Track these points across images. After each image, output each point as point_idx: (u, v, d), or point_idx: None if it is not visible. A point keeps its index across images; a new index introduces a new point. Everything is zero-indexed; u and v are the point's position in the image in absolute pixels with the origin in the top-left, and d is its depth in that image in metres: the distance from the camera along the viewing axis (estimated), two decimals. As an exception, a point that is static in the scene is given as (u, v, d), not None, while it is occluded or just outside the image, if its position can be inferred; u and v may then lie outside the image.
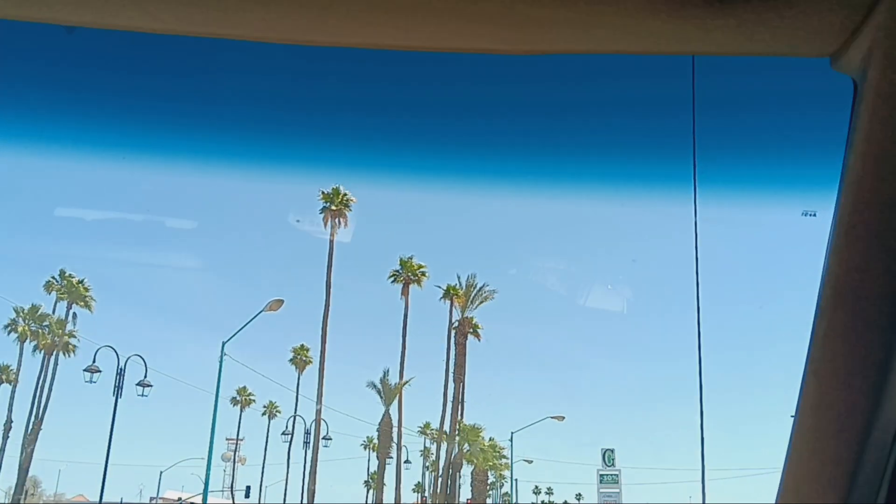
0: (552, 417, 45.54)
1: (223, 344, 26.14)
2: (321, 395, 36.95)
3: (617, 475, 73.11)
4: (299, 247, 34.15)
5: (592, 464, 73.44)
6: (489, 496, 51.52)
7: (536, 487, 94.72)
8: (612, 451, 72.74)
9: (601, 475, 73.80)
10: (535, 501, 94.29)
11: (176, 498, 62.14)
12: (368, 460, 76.35)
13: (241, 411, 63.65)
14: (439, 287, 44.83)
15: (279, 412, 61.77)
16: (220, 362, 25.78)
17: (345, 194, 36.14)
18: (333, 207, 36.12)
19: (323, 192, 35.96)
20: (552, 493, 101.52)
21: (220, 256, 62.55)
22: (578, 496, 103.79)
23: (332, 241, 35.94)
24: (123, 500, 63.00)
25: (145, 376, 26.51)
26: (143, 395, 26.48)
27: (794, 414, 1.22)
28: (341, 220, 36.30)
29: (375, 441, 48.99)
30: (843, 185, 1.00)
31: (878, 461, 1.15)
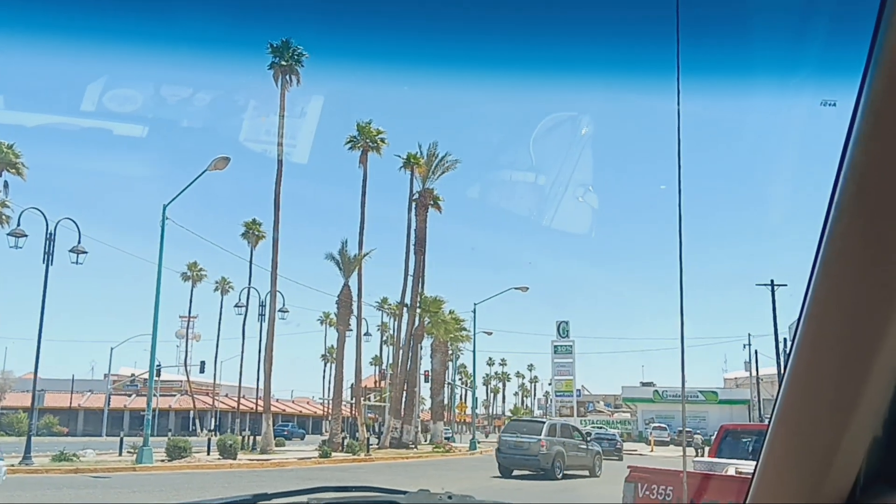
0: (516, 288, 44.73)
1: (164, 207, 23.78)
2: (276, 265, 34.88)
3: (571, 346, 74.70)
4: (252, 117, 31.26)
5: (549, 335, 74.78)
6: (447, 368, 51.38)
7: (490, 359, 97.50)
8: (567, 322, 74.30)
9: (555, 346, 75.39)
10: (488, 372, 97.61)
11: (129, 374, 61.28)
12: (325, 334, 76.72)
13: (193, 287, 62.20)
14: (399, 156, 42.56)
15: (232, 288, 60.36)
16: (162, 226, 23.47)
17: (296, 49, 32.94)
18: (283, 63, 32.94)
19: (271, 45, 32.72)
20: (506, 364, 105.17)
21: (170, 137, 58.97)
22: (530, 366, 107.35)
23: (282, 100, 32.96)
24: (75, 378, 62.40)
25: (79, 241, 24.12)
26: (77, 263, 24.14)
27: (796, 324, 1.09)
28: (293, 77, 33.18)
29: (333, 316, 47.82)
30: (875, 68, 0.85)
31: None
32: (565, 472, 23.44)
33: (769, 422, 1.27)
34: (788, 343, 1.34)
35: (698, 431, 49.02)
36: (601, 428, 50.17)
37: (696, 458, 14.96)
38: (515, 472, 23.30)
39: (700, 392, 64.72)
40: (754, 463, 1.37)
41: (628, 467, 8.17)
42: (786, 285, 42.23)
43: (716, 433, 10.42)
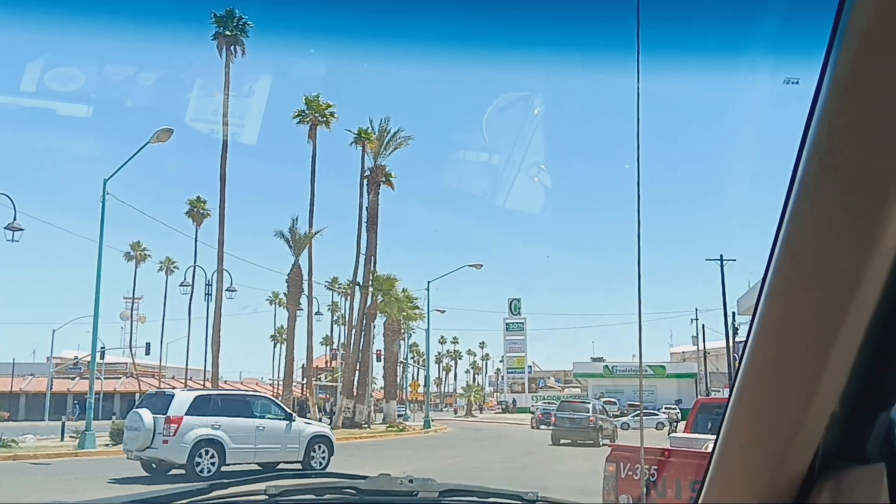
0: (470, 265, 44.39)
1: (104, 182, 22.73)
2: (222, 243, 33.99)
3: (522, 323, 75.02)
4: (199, 94, 30.12)
5: (502, 312, 74.91)
6: (399, 347, 51.00)
7: (442, 337, 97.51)
8: (519, 300, 74.68)
9: (507, 323, 75.65)
10: (440, 351, 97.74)
11: (72, 357, 59.56)
12: (275, 314, 75.78)
13: (137, 267, 60.60)
14: (350, 131, 41.73)
15: (177, 268, 59.04)
16: (103, 201, 22.43)
17: (241, 17, 31.85)
18: (228, 33, 31.83)
19: (215, 15, 31.55)
20: (458, 342, 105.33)
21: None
22: (482, 344, 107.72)
23: (227, 72, 31.86)
24: (16, 361, 60.40)
25: (14, 218, 22.95)
26: (13, 241, 22.98)
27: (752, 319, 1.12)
28: (238, 48, 32.10)
29: (283, 296, 47.01)
30: (840, 43, 0.86)
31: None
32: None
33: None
34: (737, 317, 1.05)
35: (674, 406, 49.64)
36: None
37: (674, 435, 14.70)
38: (563, 441, 27.34)
39: (649, 367, 65.51)
40: None
41: (609, 446, 7.84)
42: (735, 260, 42.80)
43: (692, 407, 10.06)
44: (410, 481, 2.09)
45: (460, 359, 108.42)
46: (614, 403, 56.94)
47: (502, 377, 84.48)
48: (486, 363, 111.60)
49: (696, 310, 67.21)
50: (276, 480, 2.05)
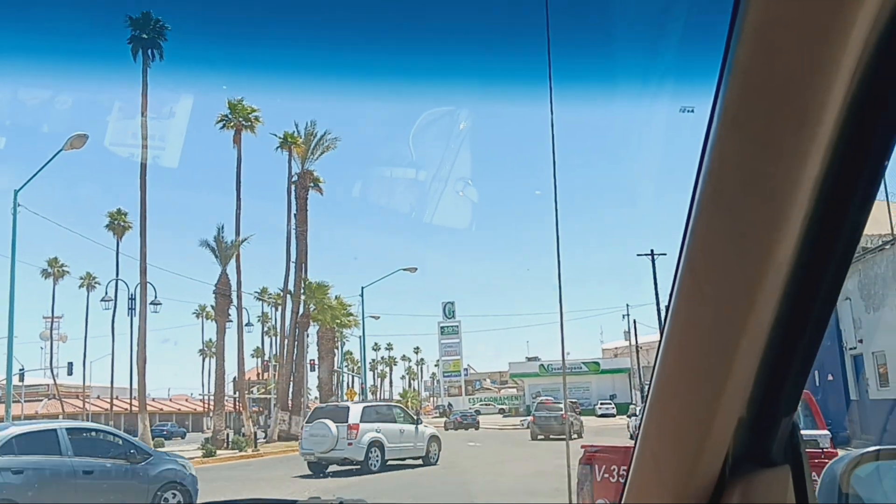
0: (404, 269, 43.79)
1: (15, 193, 21.43)
2: (144, 255, 32.60)
3: (457, 326, 74.83)
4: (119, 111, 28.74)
5: (436, 316, 74.52)
6: (334, 355, 50.06)
7: (376, 344, 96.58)
8: (453, 303, 74.44)
9: (442, 327, 75.34)
10: (374, 357, 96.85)
11: (-14, 382, 56.72)
12: (202, 328, 73.70)
13: (55, 284, 57.95)
14: (275, 135, 40.72)
15: (98, 283, 56.66)
16: (14, 213, 21.12)
17: (157, 20, 30.63)
18: (145, 36, 30.57)
19: (130, 18, 30.23)
20: (392, 349, 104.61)
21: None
22: (416, 349, 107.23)
23: (145, 77, 30.62)
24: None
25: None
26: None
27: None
28: (155, 51, 30.86)
29: (210, 308, 45.55)
30: (728, 76, 0.91)
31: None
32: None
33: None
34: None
35: (609, 402, 49.82)
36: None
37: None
38: (539, 437, 30.63)
39: (583, 363, 66.04)
40: None
41: (582, 447, 7.43)
42: (665, 254, 43.42)
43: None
44: (341, 502, 2.10)
45: (395, 365, 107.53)
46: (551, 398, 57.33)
47: (438, 381, 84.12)
48: (422, 368, 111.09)
49: (627, 305, 67.93)
50: None
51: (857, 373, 24.80)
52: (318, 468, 19.55)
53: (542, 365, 67.68)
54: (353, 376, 75.72)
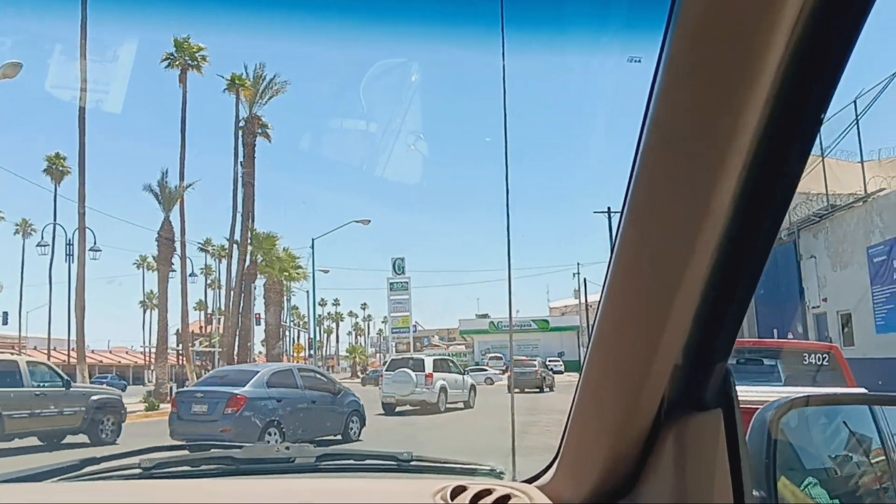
0: (357, 221, 42.45)
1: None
2: (83, 197, 30.65)
3: (407, 282, 74.12)
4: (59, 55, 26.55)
5: (385, 271, 73.58)
6: (282, 308, 48.77)
7: (323, 299, 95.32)
8: (403, 259, 73.40)
9: (391, 283, 74.62)
10: (320, 313, 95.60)
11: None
12: (143, 279, 71.50)
13: (-14, 230, 55.24)
14: (222, 77, 38.71)
15: (34, 230, 54.11)
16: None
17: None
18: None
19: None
20: (339, 304, 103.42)
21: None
22: (364, 305, 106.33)
23: (84, 13, 28.46)
24: None
25: None
26: None
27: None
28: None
29: (151, 259, 43.77)
30: (674, 27, 0.93)
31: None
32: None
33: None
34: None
35: (557, 358, 49.56)
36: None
37: None
38: (516, 390, 32.93)
39: (533, 321, 66.06)
40: None
41: None
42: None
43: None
44: (287, 448, 2.14)
45: (342, 321, 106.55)
46: (500, 358, 57.16)
47: (385, 338, 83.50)
48: (369, 324, 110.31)
49: (578, 264, 67.99)
50: (151, 454, 2.08)
51: (819, 332, 24.59)
52: (390, 409, 22.95)
53: (493, 322, 67.48)
54: (299, 331, 74.66)
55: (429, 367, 23.52)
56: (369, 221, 43.39)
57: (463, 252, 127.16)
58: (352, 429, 16.08)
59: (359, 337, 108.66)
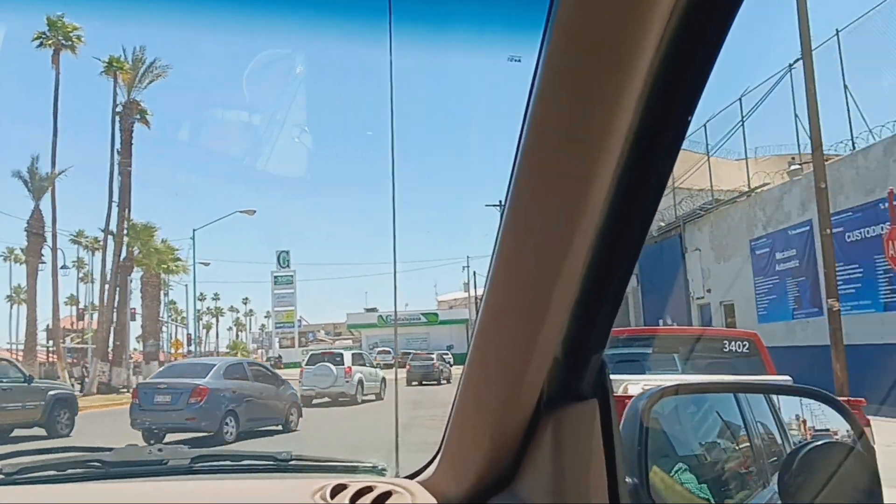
0: (241, 212, 41.02)
1: None
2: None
3: (292, 276, 72.77)
4: None
5: (269, 264, 71.90)
6: (159, 303, 46.66)
7: (202, 294, 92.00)
8: (288, 252, 72.10)
9: (276, 277, 73.08)
10: (199, 308, 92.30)
11: None
12: (10, 272, 67.16)
13: None
14: (99, 59, 36.47)
15: None
16: None
17: None
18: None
19: None
20: (219, 299, 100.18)
21: None
22: (245, 300, 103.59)
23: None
24: None
25: None
26: None
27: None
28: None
29: (19, 251, 40.97)
30: (552, 27, 0.95)
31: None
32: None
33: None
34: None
35: (447, 351, 49.47)
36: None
37: None
38: (413, 382, 34.07)
39: (422, 314, 66.10)
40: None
41: None
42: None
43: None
44: (160, 450, 2.07)
45: (222, 315, 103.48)
46: (388, 352, 56.74)
47: (268, 333, 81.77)
48: (251, 319, 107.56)
49: (468, 257, 68.54)
50: (12, 458, 2.01)
51: (703, 322, 25.46)
52: (307, 402, 22.53)
53: (381, 316, 67.02)
54: (177, 326, 72.03)
55: (348, 361, 25.04)
56: (254, 212, 42.17)
57: (350, 245, 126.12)
58: (291, 419, 17.24)
59: (240, 332, 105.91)
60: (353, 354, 26.44)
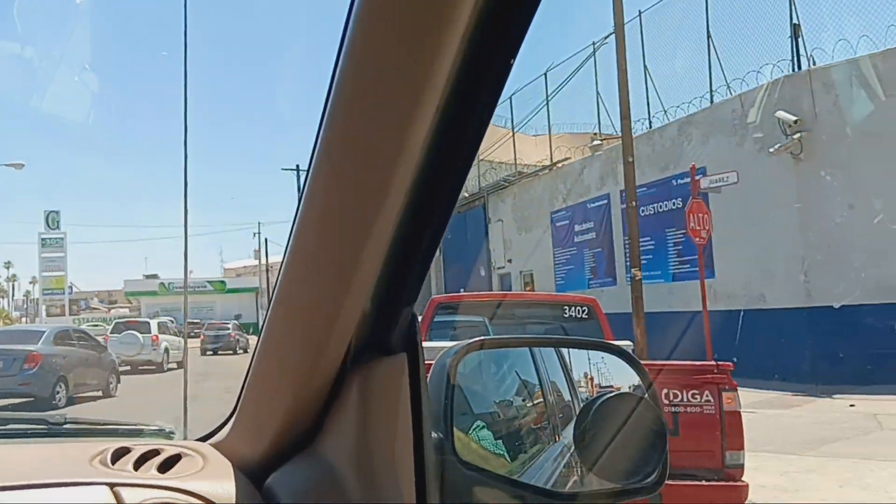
0: (8, 165, 36.76)
1: None
2: None
3: (62, 239, 67.37)
4: None
5: (34, 223, 65.85)
6: None
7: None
8: (58, 213, 66.56)
9: (43, 239, 67.24)
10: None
11: None
12: None
13: None
14: None
15: None
16: None
17: None
18: None
19: None
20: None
21: None
22: (8, 263, 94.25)
23: None
24: None
25: None
26: None
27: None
28: None
29: None
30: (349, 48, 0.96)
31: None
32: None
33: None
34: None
35: (235, 321, 47.42)
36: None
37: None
38: (208, 352, 34.29)
39: (209, 282, 63.59)
40: None
41: None
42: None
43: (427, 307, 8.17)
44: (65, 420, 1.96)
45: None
46: (173, 321, 53.94)
47: (33, 300, 75.15)
48: (14, 285, 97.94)
49: (259, 223, 66.55)
50: None
51: (503, 290, 26.35)
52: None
53: (163, 283, 63.53)
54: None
55: (154, 330, 25.93)
56: (23, 165, 38.05)
57: (130, 207, 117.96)
58: (111, 385, 17.84)
59: (1, 299, 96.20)
60: (158, 323, 27.08)
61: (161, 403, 14.08)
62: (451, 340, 6.49)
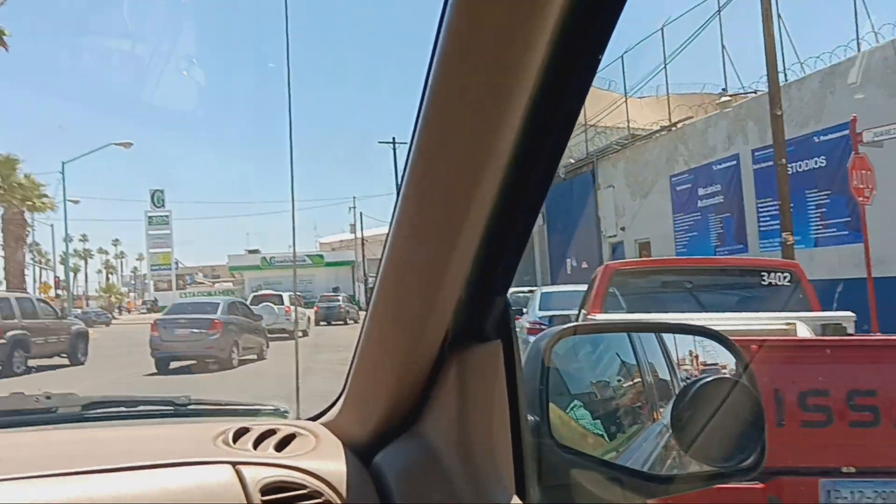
0: (117, 144, 37.77)
1: None
2: None
3: (167, 216, 69.40)
4: None
5: (142, 202, 68.06)
6: (24, 243, 42.97)
7: (68, 235, 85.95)
8: (162, 191, 68.57)
9: (150, 217, 69.45)
10: (65, 250, 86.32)
11: None
12: None
13: None
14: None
15: None
16: None
17: None
18: None
19: None
20: (87, 240, 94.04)
21: None
22: (116, 241, 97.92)
23: None
24: None
25: None
26: None
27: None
28: None
29: None
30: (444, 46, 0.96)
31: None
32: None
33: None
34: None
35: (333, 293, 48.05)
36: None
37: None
38: (321, 322, 36.46)
39: (307, 256, 64.58)
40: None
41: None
42: (406, 143, 42.71)
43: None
44: (48, 397, 1.98)
45: (91, 258, 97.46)
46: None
47: (141, 276, 77.88)
48: (122, 262, 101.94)
49: (354, 198, 66.95)
50: None
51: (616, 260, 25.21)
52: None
53: (265, 258, 64.81)
54: (41, 269, 67.40)
55: (287, 302, 29.55)
56: (131, 144, 39.21)
57: (231, 185, 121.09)
58: (265, 349, 20.40)
59: (110, 276, 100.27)
60: (290, 295, 31.52)
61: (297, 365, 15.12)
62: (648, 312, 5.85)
